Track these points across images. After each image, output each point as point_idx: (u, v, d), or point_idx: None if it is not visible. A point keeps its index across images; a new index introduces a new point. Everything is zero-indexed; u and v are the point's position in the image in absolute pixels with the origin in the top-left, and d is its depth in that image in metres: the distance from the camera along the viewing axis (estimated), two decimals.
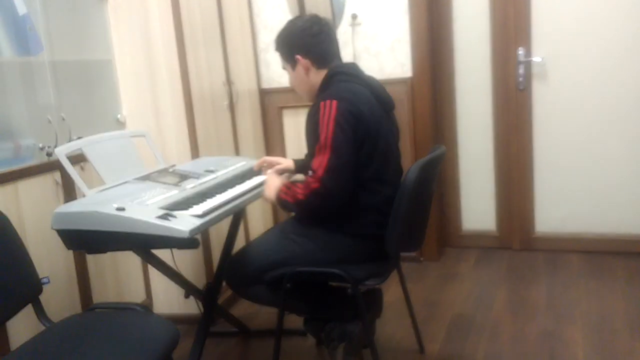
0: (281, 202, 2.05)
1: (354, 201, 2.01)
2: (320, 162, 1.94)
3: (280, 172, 2.26)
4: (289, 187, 2.04)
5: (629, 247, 3.35)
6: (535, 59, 3.35)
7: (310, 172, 1.98)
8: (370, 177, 2.03)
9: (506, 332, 2.59)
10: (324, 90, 2.08)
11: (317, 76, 2.13)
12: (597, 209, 3.40)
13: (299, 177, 2.28)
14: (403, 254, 2.17)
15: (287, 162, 2.34)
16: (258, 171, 2.38)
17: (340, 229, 2.05)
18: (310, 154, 2.06)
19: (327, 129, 1.94)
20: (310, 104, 2.15)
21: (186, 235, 1.73)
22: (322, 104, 1.97)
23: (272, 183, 2.12)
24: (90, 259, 2.47)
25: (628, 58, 3.20)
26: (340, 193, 1.96)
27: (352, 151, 1.96)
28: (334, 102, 1.95)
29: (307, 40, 2.11)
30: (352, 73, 2.11)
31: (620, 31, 3.19)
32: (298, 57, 2.12)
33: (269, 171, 2.25)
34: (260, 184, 2.25)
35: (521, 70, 3.37)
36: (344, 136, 1.94)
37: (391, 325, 2.70)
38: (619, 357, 2.32)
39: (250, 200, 2.19)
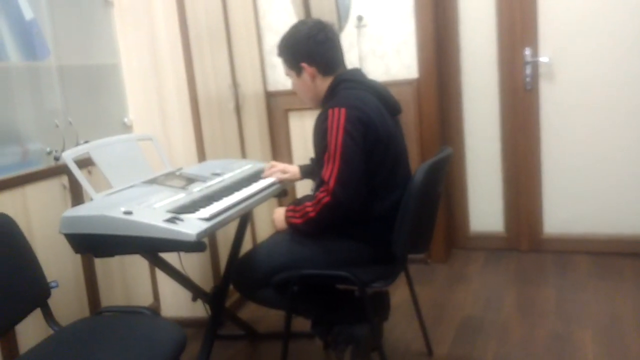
0: (292, 227, 2.06)
1: (362, 208, 2.00)
2: (331, 172, 1.93)
3: (283, 181, 2.31)
4: (295, 209, 2.05)
5: (638, 248, 3.32)
6: (542, 59, 3.34)
7: (317, 180, 1.97)
8: (380, 184, 2.03)
9: (515, 334, 2.58)
10: (331, 98, 2.08)
11: (323, 83, 2.13)
12: (605, 210, 3.38)
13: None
14: (410, 256, 2.16)
15: (293, 170, 2.35)
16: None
17: (348, 234, 2.05)
18: (318, 160, 2.06)
19: (336, 137, 1.93)
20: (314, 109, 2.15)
21: (193, 238, 1.72)
22: (330, 111, 1.96)
23: (278, 215, 2.14)
24: (98, 262, 2.48)
25: (635, 57, 3.18)
26: (352, 202, 1.96)
27: (362, 159, 1.95)
28: (343, 110, 1.95)
29: (313, 48, 2.10)
30: (357, 79, 2.11)
31: (627, 31, 3.17)
32: (303, 64, 2.11)
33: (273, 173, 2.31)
34: (267, 187, 2.26)
35: (528, 71, 3.36)
36: (354, 144, 1.93)
37: (399, 328, 2.69)
38: (629, 359, 2.30)
39: (257, 203, 2.18)
